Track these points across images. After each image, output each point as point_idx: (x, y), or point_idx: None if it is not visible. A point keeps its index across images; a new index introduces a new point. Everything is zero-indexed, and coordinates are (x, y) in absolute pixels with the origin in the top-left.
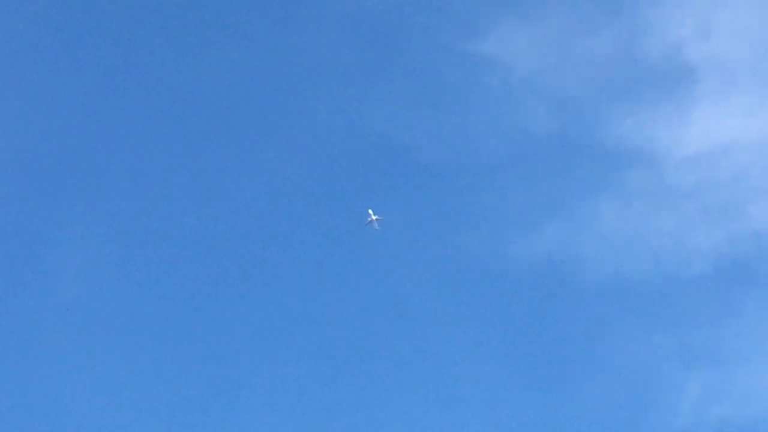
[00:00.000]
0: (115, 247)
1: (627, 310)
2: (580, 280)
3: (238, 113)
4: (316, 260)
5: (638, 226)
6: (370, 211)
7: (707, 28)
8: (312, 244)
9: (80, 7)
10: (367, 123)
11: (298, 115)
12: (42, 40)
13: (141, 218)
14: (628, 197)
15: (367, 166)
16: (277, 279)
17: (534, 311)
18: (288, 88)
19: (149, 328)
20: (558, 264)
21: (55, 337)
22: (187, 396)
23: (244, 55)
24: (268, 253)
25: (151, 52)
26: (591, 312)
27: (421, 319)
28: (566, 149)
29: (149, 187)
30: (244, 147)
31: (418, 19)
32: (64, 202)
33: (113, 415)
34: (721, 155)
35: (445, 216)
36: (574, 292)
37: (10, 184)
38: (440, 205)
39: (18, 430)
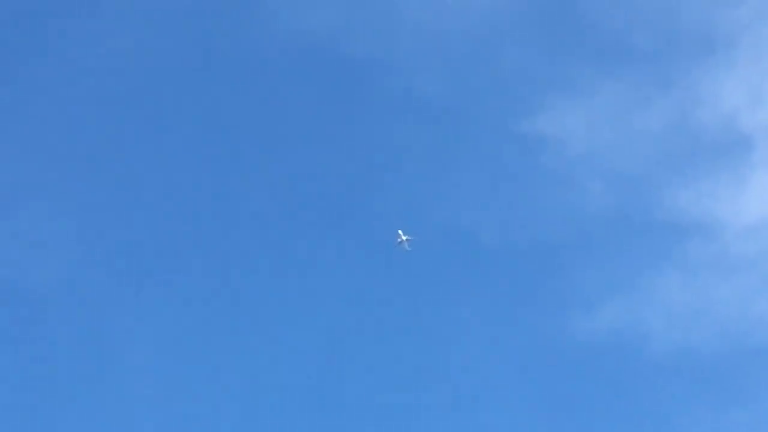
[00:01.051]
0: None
1: (695, 383)
2: (646, 355)
3: (306, 209)
4: (395, 354)
5: (702, 297)
6: (400, 232)
7: (760, 96)
8: (382, 333)
9: None
10: (430, 210)
11: (363, 207)
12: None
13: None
14: (690, 269)
15: (432, 253)
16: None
17: (601, 388)
18: (351, 181)
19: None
20: (623, 339)
21: None
22: None
23: (310, 150)
24: (348, 365)
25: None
26: (659, 386)
27: (487, 398)
28: (625, 224)
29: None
30: (314, 241)
31: (473, 102)
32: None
33: None
34: None
35: (509, 297)
36: (641, 367)
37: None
38: (504, 286)
39: None
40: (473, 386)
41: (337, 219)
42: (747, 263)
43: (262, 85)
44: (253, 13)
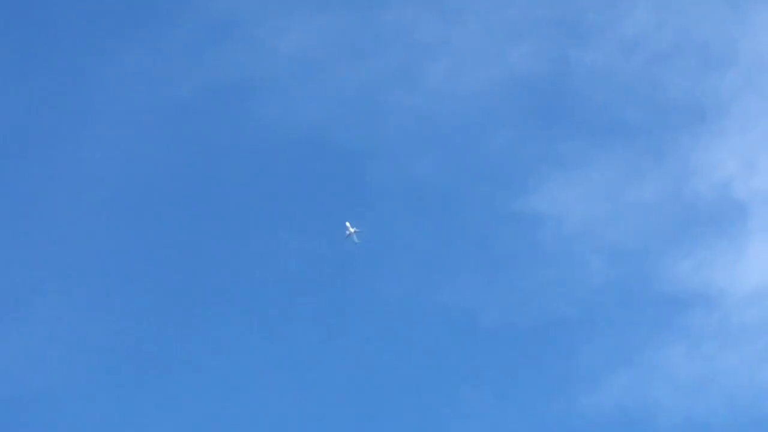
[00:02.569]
0: None
1: None
2: (653, 428)
3: (301, 298)
4: None
5: (706, 367)
6: (348, 224)
7: (753, 163)
8: (382, 418)
9: None
10: (428, 293)
11: (359, 294)
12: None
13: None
14: (693, 339)
15: (433, 337)
16: None
17: None
18: (346, 268)
19: None
20: (630, 413)
21: None
22: None
23: (304, 240)
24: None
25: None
26: None
27: None
28: (626, 298)
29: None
30: (316, 330)
31: (466, 184)
32: None
33: None
34: None
35: (512, 376)
36: None
37: None
38: (507, 366)
39: None
40: None
41: (333, 306)
42: (750, 331)
43: (253, 179)
44: (241, 108)
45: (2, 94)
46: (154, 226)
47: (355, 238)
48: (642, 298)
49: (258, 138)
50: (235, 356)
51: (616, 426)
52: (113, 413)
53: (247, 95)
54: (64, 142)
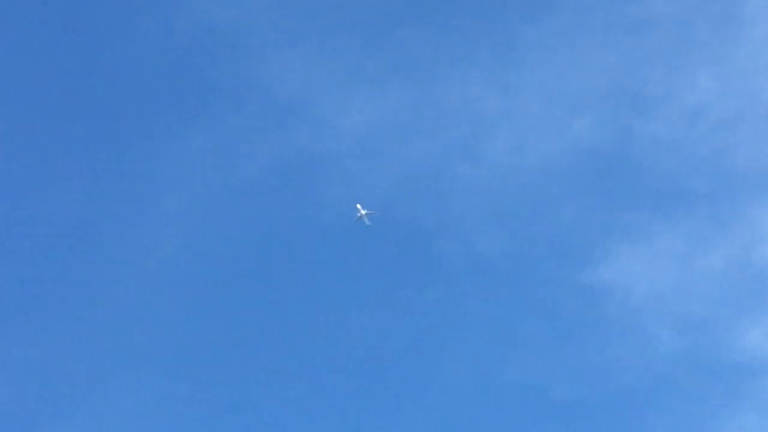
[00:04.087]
0: None
1: None
2: None
3: (379, 373)
4: None
5: None
6: (359, 206)
7: None
8: None
9: None
10: (501, 367)
11: (434, 371)
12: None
13: None
14: (764, 408)
15: (504, 412)
16: None
17: None
18: (418, 344)
19: None
20: None
21: None
22: None
23: (376, 316)
24: None
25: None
26: None
27: None
28: (696, 368)
29: None
30: (387, 405)
31: (534, 257)
32: None
33: None
34: None
35: None
36: None
37: None
38: None
39: None
40: None
41: (404, 382)
42: None
43: (320, 256)
44: (307, 187)
45: (74, 176)
46: (224, 305)
47: (366, 220)
48: (712, 368)
49: (324, 216)
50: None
51: None
52: None
53: (313, 174)
54: (134, 224)
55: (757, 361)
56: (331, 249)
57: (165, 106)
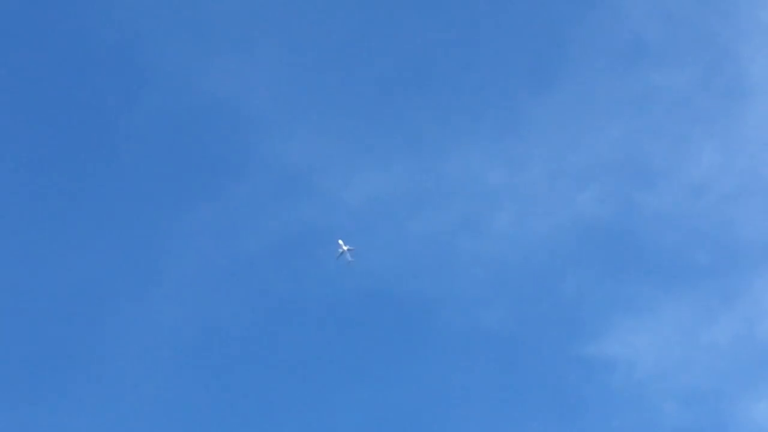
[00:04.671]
0: None
1: None
2: None
3: None
4: None
5: None
6: (341, 242)
7: None
8: None
9: None
10: None
11: None
12: None
13: None
14: None
15: None
16: None
17: None
18: (421, 418)
19: None
20: None
21: None
22: None
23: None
24: None
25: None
26: None
27: None
28: None
29: None
30: None
31: (537, 330)
32: None
33: None
34: None
35: None
36: None
37: None
38: None
39: None
40: None
41: None
42: None
43: (323, 330)
44: (310, 260)
45: (77, 249)
46: (227, 379)
47: (348, 256)
48: None
49: (328, 289)
50: None
51: None
52: None
53: (316, 247)
54: (137, 299)
55: None
56: (335, 322)
57: (169, 179)
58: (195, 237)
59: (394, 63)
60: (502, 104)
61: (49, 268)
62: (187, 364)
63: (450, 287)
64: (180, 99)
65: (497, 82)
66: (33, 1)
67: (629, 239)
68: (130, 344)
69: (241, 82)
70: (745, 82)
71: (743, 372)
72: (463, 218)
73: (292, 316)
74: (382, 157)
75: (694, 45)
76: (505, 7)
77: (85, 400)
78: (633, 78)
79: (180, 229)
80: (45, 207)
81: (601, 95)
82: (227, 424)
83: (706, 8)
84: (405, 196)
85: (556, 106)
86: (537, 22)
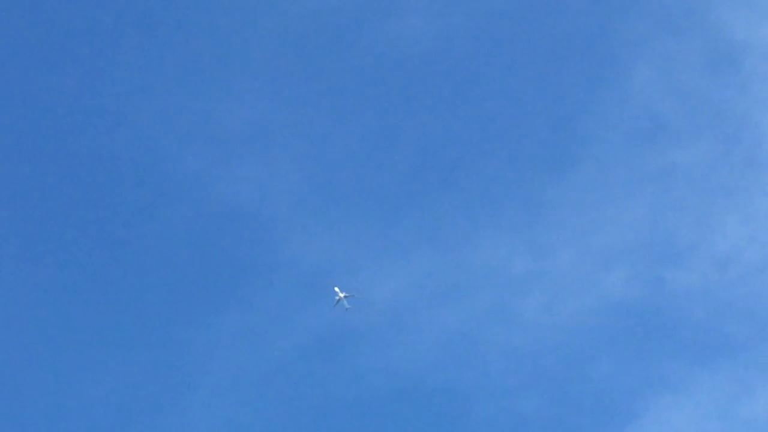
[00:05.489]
0: None
1: None
2: None
3: None
4: None
5: None
6: (337, 289)
7: None
8: None
9: None
10: None
11: None
12: None
13: None
14: None
15: None
16: None
17: None
18: None
19: None
20: None
21: None
22: None
23: None
24: None
25: None
26: None
27: None
28: None
29: None
30: None
31: (572, 414)
32: None
33: None
34: None
35: None
36: None
37: None
38: None
39: None
40: None
41: None
42: None
43: (362, 426)
44: (341, 360)
45: (106, 363)
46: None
47: (345, 303)
48: None
49: (360, 388)
50: None
51: None
52: None
53: (346, 346)
54: (173, 409)
55: None
56: (369, 421)
57: (193, 288)
58: (225, 344)
59: (412, 157)
60: (522, 191)
61: (84, 383)
62: None
63: (482, 378)
64: (200, 210)
65: (515, 169)
66: (52, 108)
67: (659, 317)
68: None
69: (259, 186)
70: (765, 151)
71: None
72: (491, 308)
73: (325, 417)
74: (406, 251)
75: (710, 118)
76: (518, 93)
77: None
78: (651, 155)
79: (208, 338)
80: (75, 322)
81: (621, 175)
82: None
83: (718, 81)
84: (431, 290)
85: (576, 189)
86: (550, 106)
